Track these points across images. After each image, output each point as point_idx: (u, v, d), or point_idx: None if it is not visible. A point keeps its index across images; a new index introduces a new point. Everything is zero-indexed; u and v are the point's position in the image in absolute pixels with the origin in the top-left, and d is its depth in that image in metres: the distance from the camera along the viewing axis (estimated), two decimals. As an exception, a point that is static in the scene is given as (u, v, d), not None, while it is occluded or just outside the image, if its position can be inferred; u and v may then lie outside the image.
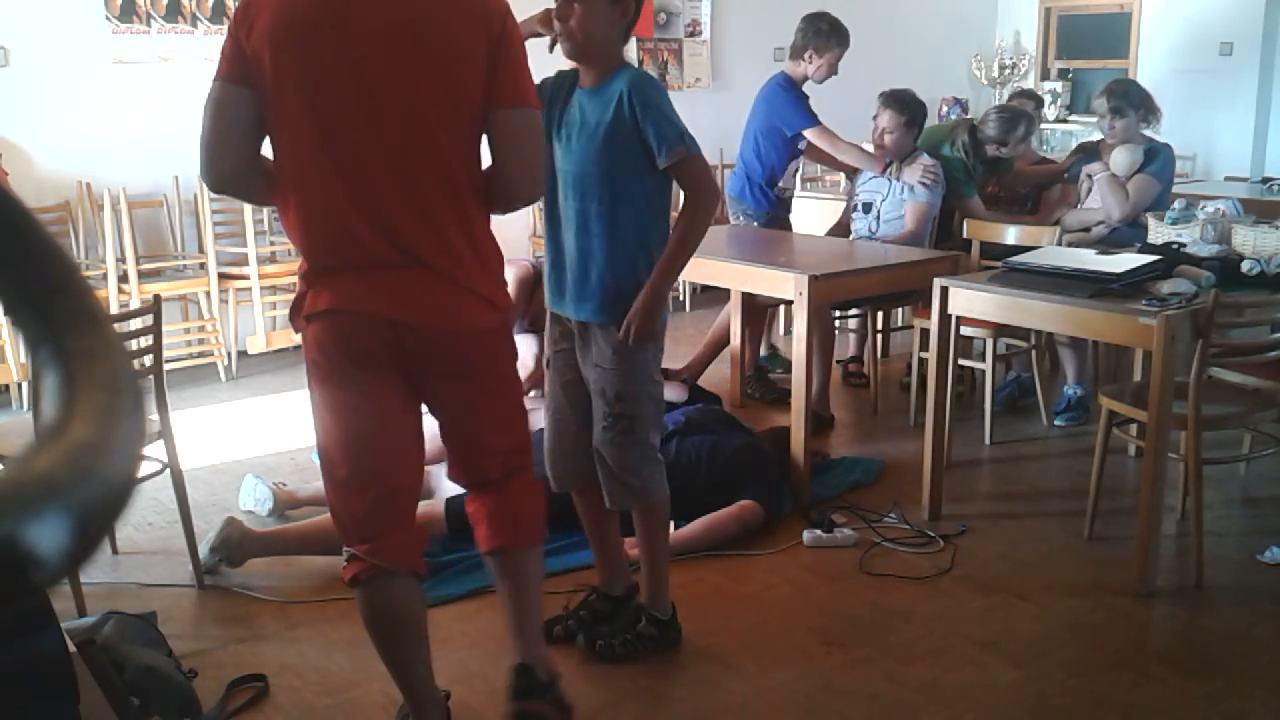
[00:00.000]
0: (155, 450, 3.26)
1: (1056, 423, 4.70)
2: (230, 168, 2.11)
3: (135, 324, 3.61)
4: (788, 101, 4.85)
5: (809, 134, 4.86)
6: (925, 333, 4.28)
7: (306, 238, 2.11)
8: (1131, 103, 4.70)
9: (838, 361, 5.39)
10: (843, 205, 5.37)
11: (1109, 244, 4.28)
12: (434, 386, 2.21)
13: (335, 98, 2.03)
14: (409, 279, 2.08)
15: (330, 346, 2.12)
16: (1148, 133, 4.87)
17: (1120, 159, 4.69)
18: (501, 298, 2.21)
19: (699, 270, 4.51)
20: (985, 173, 5.17)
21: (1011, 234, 4.80)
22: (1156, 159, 4.71)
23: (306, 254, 2.14)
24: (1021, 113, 5.13)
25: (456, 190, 2.10)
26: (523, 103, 2.12)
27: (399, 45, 2.02)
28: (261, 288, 5.68)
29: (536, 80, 2.32)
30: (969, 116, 5.40)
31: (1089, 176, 4.86)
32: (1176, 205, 4.24)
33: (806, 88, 5.01)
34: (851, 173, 5.26)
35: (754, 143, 4.97)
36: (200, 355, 5.68)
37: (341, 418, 2.17)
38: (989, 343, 4.47)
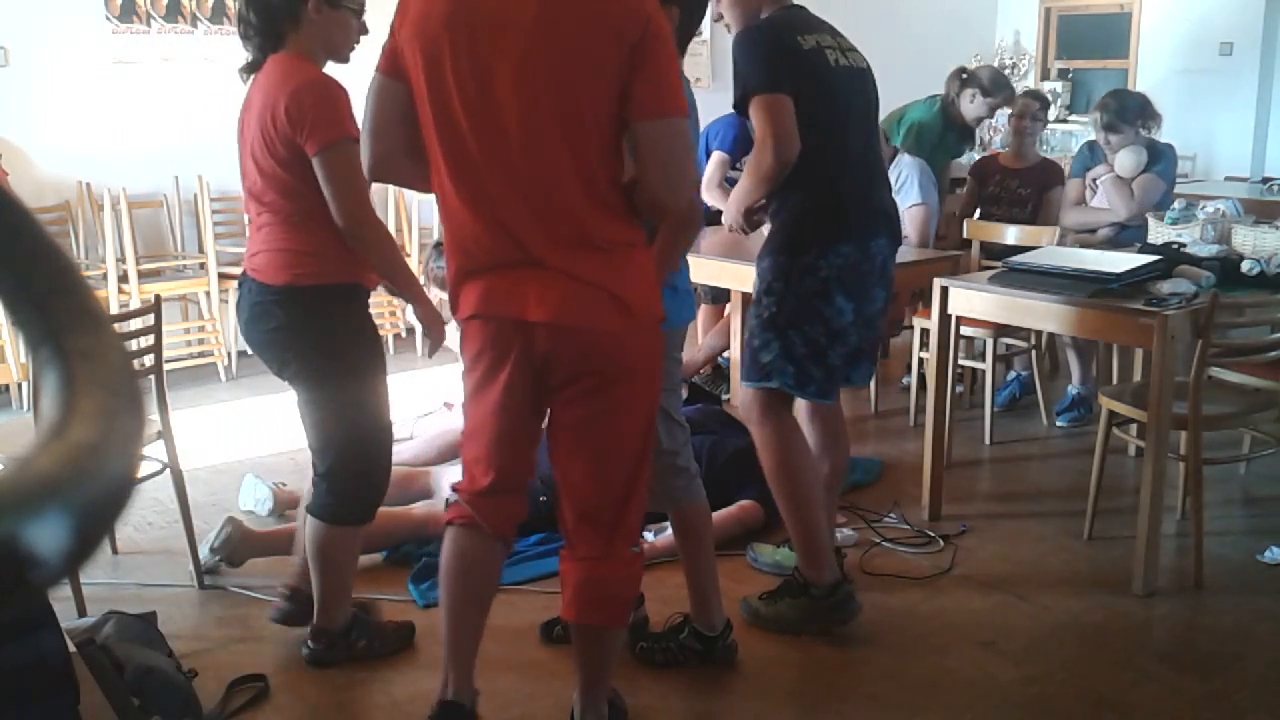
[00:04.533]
0: (155, 450, 3.26)
1: (1058, 422, 4.70)
2: (381, 155, 2.16)
3: (135, 324, 3.62)
4: (730, 121, 4.82)
5: (715, 154, 4.86)
6: (925, 332, 4.28)
7: (447, 238, 2.17)
8: (1126, 117, 4.67)
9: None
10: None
11: (1115, 245, 4.27)
12: (563, 396, 2.17)
13: (457, 98, 2.02)
14: (529, 278, 2.07)
15: (478, 348, 2.18)
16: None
17: (1125, 160, 4.68)
18: (640, 304, 2.10)
19: (699, 270, 4.51)
20: (955, 141, 5.36)
21: (1011, 234, 4.80)
22: (1161, 159, 4.70)
23: (448, 255, 2.18)
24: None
25: (577, 196, 2.04)
26: (662, 113, 2.00)
27: (521, 49, 1.98)
28: (261, 288, 5.67)
29: None
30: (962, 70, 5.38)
31: (1094, 181, 4.84)
32: (1176, 205, 4.24)
33: None
34: None
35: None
36: (200, 355, 5.68)
37: (485, 412, 2.23)
38: (989, 343, 4.47)
